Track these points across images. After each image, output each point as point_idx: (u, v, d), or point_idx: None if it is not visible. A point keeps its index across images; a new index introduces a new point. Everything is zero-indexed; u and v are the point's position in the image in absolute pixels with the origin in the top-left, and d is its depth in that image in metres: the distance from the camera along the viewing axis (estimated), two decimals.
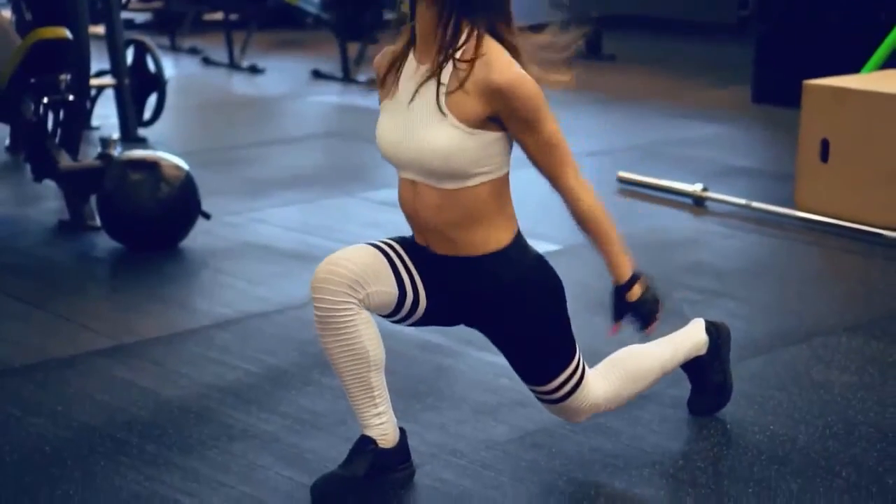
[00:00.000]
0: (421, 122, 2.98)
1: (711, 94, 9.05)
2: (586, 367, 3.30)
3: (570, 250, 5.22)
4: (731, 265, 5.11)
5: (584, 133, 7.73)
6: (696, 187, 6.01)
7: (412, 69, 3.04)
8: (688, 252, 5.29)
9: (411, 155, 3.02)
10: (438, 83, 2.96)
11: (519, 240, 3.12)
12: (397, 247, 3.14)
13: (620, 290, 3.15)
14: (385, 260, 3.09)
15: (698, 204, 5.98)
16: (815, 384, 3.90)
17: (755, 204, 5.82)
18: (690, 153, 7.11)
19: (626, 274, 3.14)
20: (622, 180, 6.36)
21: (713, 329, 3.62)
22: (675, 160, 6.91)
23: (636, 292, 3.15)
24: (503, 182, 3.07)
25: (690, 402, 3.66)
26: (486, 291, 3.11)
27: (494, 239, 3.08)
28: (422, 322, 3.20)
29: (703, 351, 3.58)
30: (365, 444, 3.16)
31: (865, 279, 4.97)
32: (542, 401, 3.31)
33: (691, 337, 3.57)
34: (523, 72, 2.97)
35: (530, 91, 2.96)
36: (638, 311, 3.17)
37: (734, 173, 6.62)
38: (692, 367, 3.60)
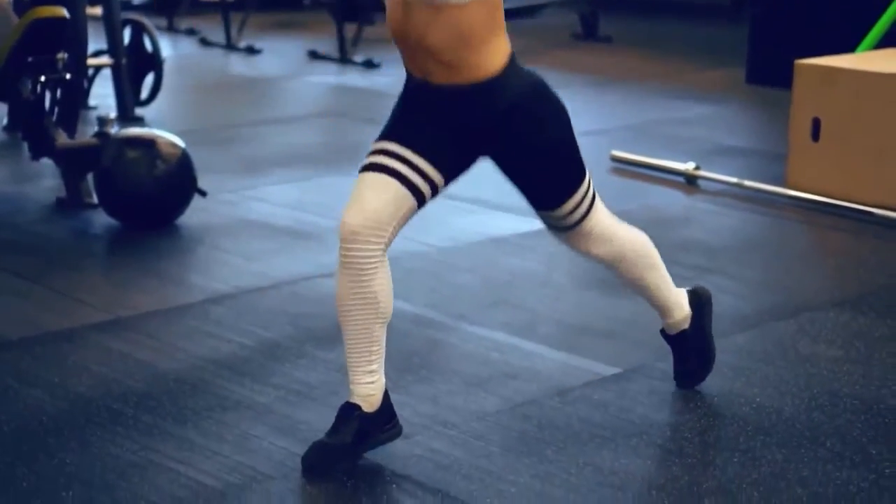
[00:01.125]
0: None
1: (706, 76, 9.08)
2: (599, 199, 3.38)
3: None
4: (722, 242, 5.16)
5: (579, 113, 7.72)
6: (688, 166, 6.06)
7: None
8: (679, 229, 5.34)
9: None
10: None
11: (514, 63, 3.13)
12: (396, 148, 3.14)
13: None
14: (394, 180, 3.11)
15: (690, 182, 6.03)
16: (801, 358, 3.96)
17: (747, 182, 5.87)
18: (684, 133, 7.16)
19: None
20: (615, 159, 6.41)
21: (695, 300, 3.67)
22: (668, 139, 6.95)
23: None
24: (494, 5, 3.07)
25: (676, 373, 3.71)
26: (487, 119, 3.13)
27: (489, 62, 3.08)
28: (448, 185, 3.24)
29: (685, 325, 3.63)
30: (349, 410, 3.21)
31: (855, 256, 5.02)
32: (555, 228, 3.38)
33: (678, 296, 3.63)
34: None
35: None
36: None
37: (727, 152, 6.67)
38: (675, 340, 3.66)
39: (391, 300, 3.19)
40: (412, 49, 3.12)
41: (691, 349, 3.66)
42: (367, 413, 3.22)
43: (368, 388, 3.22)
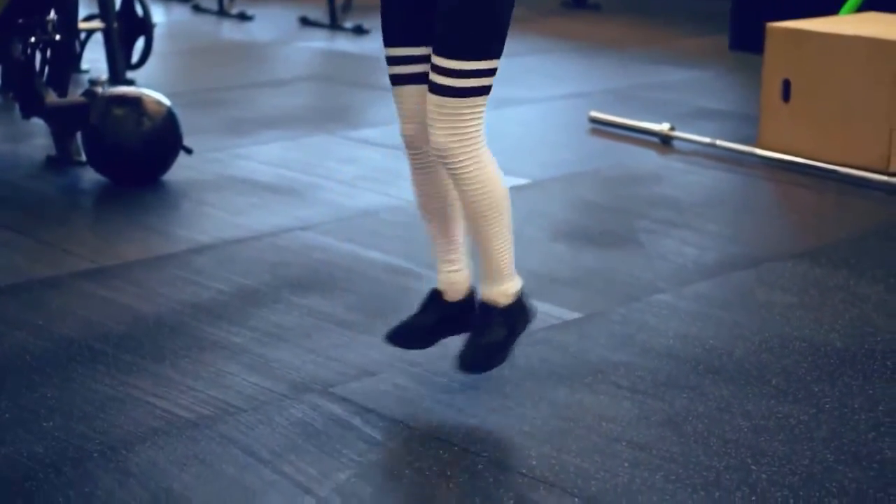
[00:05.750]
0: None
1: (691, 42, 9.22)
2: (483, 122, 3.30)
3: (538, 184, 5.44)
4: (691, 198, 5.32)
5: (561, 77, 7.92)
6: (663, 126, 6.21)
7: None
8: (650, 186, 5.49)
9: None
10: None
11: None
12: (397, 51, 3.30)
13: None
14: (412, 86, 3.31)
15: (665, 143, 6.18)
16: (757, 304, 4.12)
17: (719, 142, 6.02)
18: (663, 96, 7.30)
19: None
20: (594, 120, 6.56)
21: (524, 302, 3.46)
22: (647, 103, 7.10)
23: None
24: None
25: (464, 348, 3.41)
26: None
27: None
28: None
29: (501, 302, 3.40)
30: (433, 297, 3.48)
31: (817, 211, 5.19)
32: (438, 89, 3.20)
33: (512, 276, 3.41)
34: None
35: None
36: None
37: (703, 115, 6.81)
38: (483, 309, 3.42)
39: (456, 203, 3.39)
40: None
41: (491, 328, 3.39)
42: (449, 301, 3.46)
43: (450, 276, 3.45)
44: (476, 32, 3.19)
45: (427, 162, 3.37)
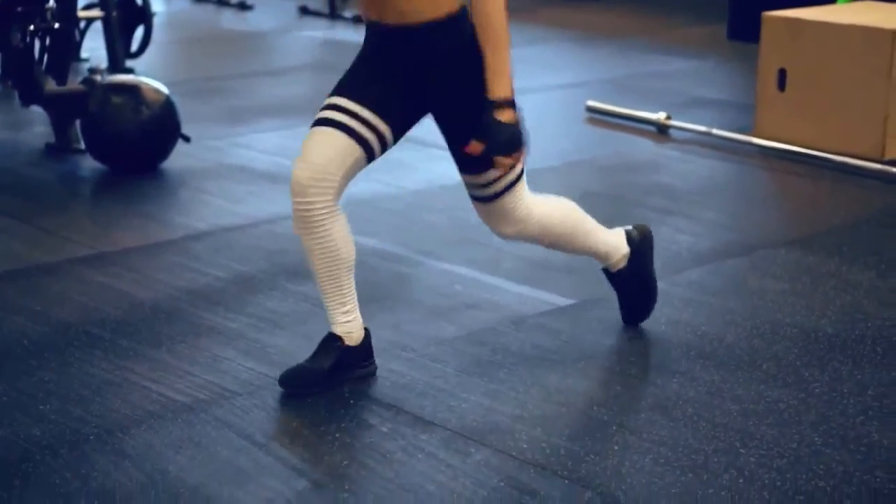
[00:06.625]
0: None
1: (689, 32, 9.25)
2: (526, 182, 3.47)
3: (535, 173, 5.40)
4: (686, 187, 5.35)
5: (560, 67, 7.94)
6: (659, 115, 6.24)
7: None
8: (647, 174, 5.53)
9: None
10: None
11: (464, 14, 3.26)
12: (344, 102, 3.27)
13: (489, 105, 3.19)
14: (340, 133, 3.25)
15: (662, 131, 6.21)
16: (750, 291, 4.15)
17: (715, 131, 6.05)
18: (660, 86, 7.33)
19: (502, 92, 3.20)
20: (591, 109, 6.59)
21: (635, 237, 3.76)
22: (645, 92, 7.12)
23: (506, 115, 3.19)
24: None
25: (621, 311, 3.83)
26: (434, 60, 3.26)
27: (438, 7, 3.21)
28: (397, 139, 3.37)
29: (623, 265, 3.73)
30: (331, 340, 3.42)
31: (812, 200, 5.22)
32: (478, 199, 3.45)
33: (614, 239, 3.71)
34: None
35: None
36: (499, 134, 3.18)
37: (700, 104, 6.84)
38: (615, 279, 3.77)
39: (352, 248, 3.35)
40: None
41: (632, 287, 3.77)
42: (347, 346, 3.42)
43: (346, 326, 3.42)
44: None
45: (311, 217, 3.26)
